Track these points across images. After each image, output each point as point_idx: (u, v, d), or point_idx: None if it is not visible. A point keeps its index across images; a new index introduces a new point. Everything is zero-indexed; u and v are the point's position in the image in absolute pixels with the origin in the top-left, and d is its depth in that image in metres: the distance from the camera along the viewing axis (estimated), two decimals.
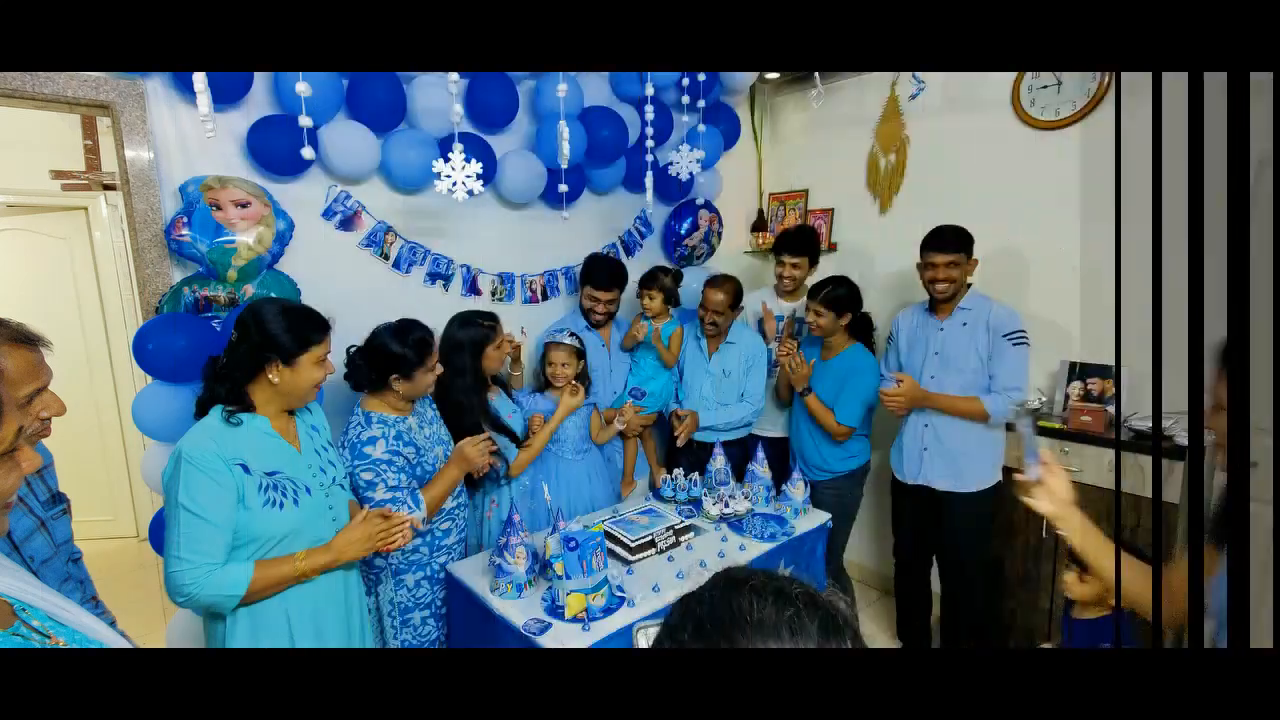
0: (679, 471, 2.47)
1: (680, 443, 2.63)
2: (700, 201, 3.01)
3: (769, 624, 0.54)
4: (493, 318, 2.15)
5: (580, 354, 2.39)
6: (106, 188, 3.45)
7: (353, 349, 1.83)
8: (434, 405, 2.03)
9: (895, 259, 3.02)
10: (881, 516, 3.09)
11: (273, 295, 1.92)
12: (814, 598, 0.56)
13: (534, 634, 1.62)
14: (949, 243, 2.23)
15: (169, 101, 1.92)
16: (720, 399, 2.66)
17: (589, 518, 2.22)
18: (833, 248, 3.30)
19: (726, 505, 2.28)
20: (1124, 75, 2.44)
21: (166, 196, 1.94)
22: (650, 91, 2.37)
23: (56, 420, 1.03)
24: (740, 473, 2.52)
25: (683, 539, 2.10)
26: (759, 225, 3.59)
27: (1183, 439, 2.09)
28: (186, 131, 1.95)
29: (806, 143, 3.44)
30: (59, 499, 1.32)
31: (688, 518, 2.22)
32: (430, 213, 2.47)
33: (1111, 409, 2.36)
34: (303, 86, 1.76)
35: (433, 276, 2.51)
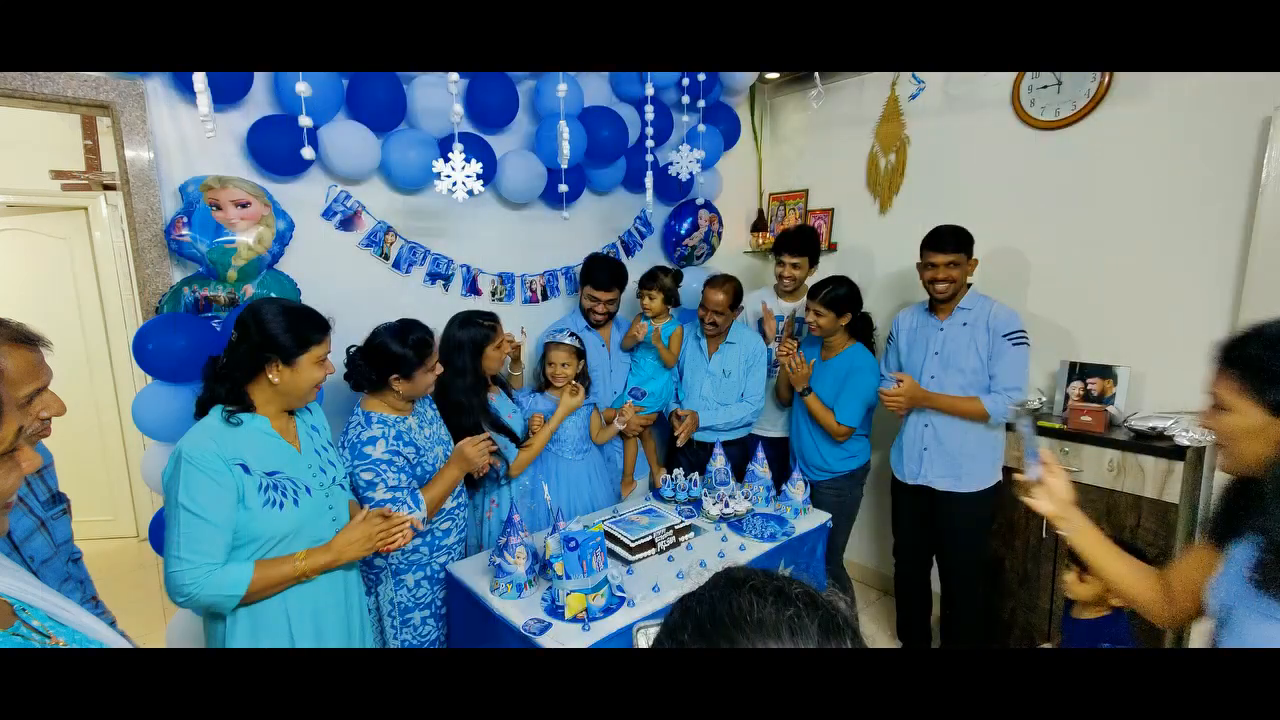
0: (679, 471, 2.47)
1: (680, 443, 2.63)
2: (700, 201, 3.00)
3: (769, 624, 0.53)
4: (493, 318, 2.15)
5: (580, 354, 2.39)
6: (107, 188, 3.45)
7: (353, 349, 1.83)
8: (434, 405, 2.03)
9: (895, 259, 3.02)
10: (881, 516, 3.09)
11: (273, 295, 1.91)
12: (814, 598, 0.56)
13: (534, 634, 1.62)
14: (949, 243, 2.23)
15: (169, 101, 1.92)
16: (720, 399, 2.66)
17: (589, 518, 2.22)
18: (833, 248, 3.30)
19: (726, 505, 2.28)
20: (1122, 75, 2.44)
21: (166, 196, 1.94)
22: (650, 91, 2.37)
23: (56, 420, 1.03)
24: (740, 473, 2.52)
25: (683, 539, 2.10)
26: (759, 225, 3.59)
27: (1183, 439, 2.09)
28: (186, 131, 1.95)
29: (806, 143, 3.44)
30: (59, 499, 1.32)
31: (688, 518, 2.22)
32: (430, 213, 2.47)
33: (1111, 409, 2.36)
34: (303, 86, 1.76)
35: (433, 276, 2.51)
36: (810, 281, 2.75)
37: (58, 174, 3.37)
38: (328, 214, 2.24)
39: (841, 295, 2.39)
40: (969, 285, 2.34)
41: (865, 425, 2.53)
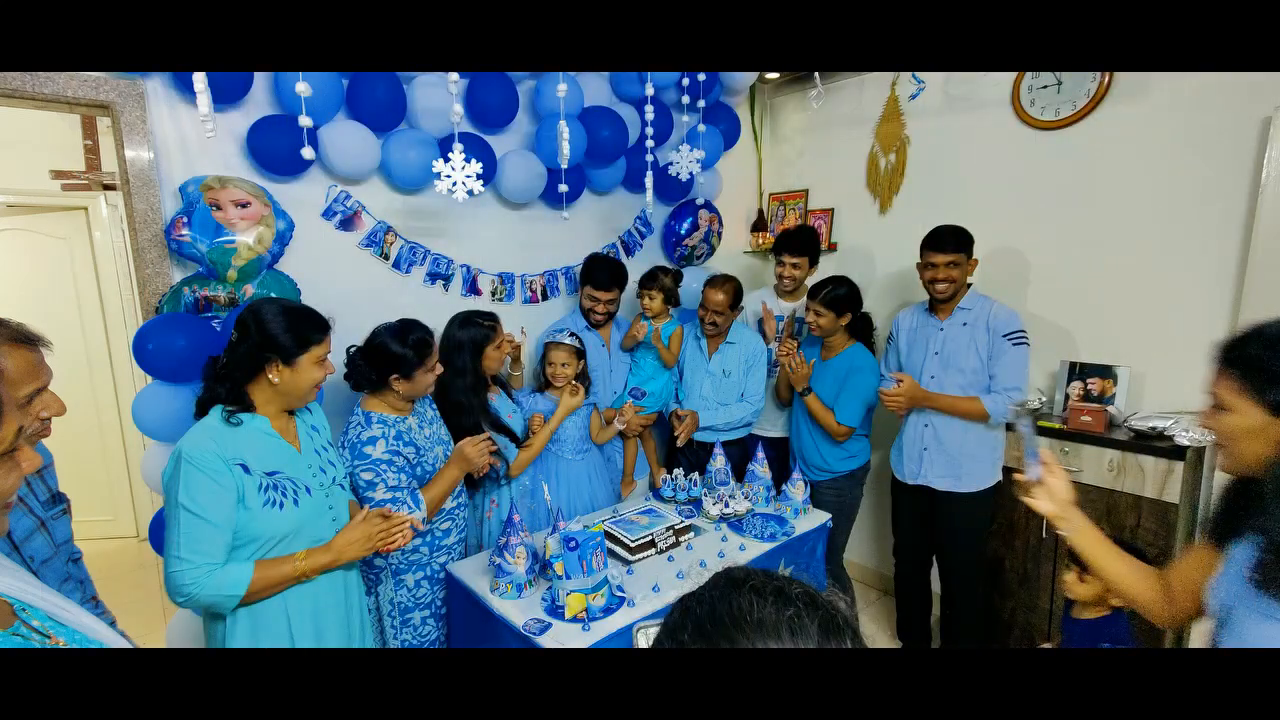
0: (679, 471, 2.47)
1: (680, 443, 2.63)
2: (700, 201, 3.00)
3: (769, 624, 0.53)
4: (493, 318, 2.15)
5: (580, 354, 2.39)
6: (107, 188, 3.45)
7: (353, 349, 1.83)
8: (434, 405, 2.03)
9: (895, 259, 3.02)
10: (881, 516, 3.09)
11: (273, 295, 1.91)
12: (814, 598, 0.56)
13: (534, 634, 1.62)
14: (949, 243, 2.23)
15: (169, 101, 1.92)
16: (720, 399, 2.66)
17: (589, 518, 2.22)
18: (832, 248, 3.30)
19: (726, 505, 2.28)
20: (1122, 75, 2.44)
21: (166, 196, 1.94)
22: (650, 91, 2.36)
23: (57, 420, 1.03)
24: (740, 473, 2.52)
25: (683, 539, 2.10)
26: (759, 225, 3.59)
27: (1183, 439, 2.09)
28: (186, 131, 1.95)
29: (806, 143, 3.44)
30: (59, 499, 1.32)
31: (688, 518, 2.21)
32: (430, 213, 2.46)
33: (1111, 409, 2.36)
34: (303, 86, 1.76)
35: (433, 276, 2.51)
36: (810, 281, 2.76)
37: (58, 174, 3.37)
38: (328, 214, 2.24)
39: (841, 295, 2.39)
40: (969, 285, 2.34)
41: (865, 425, 2.53)
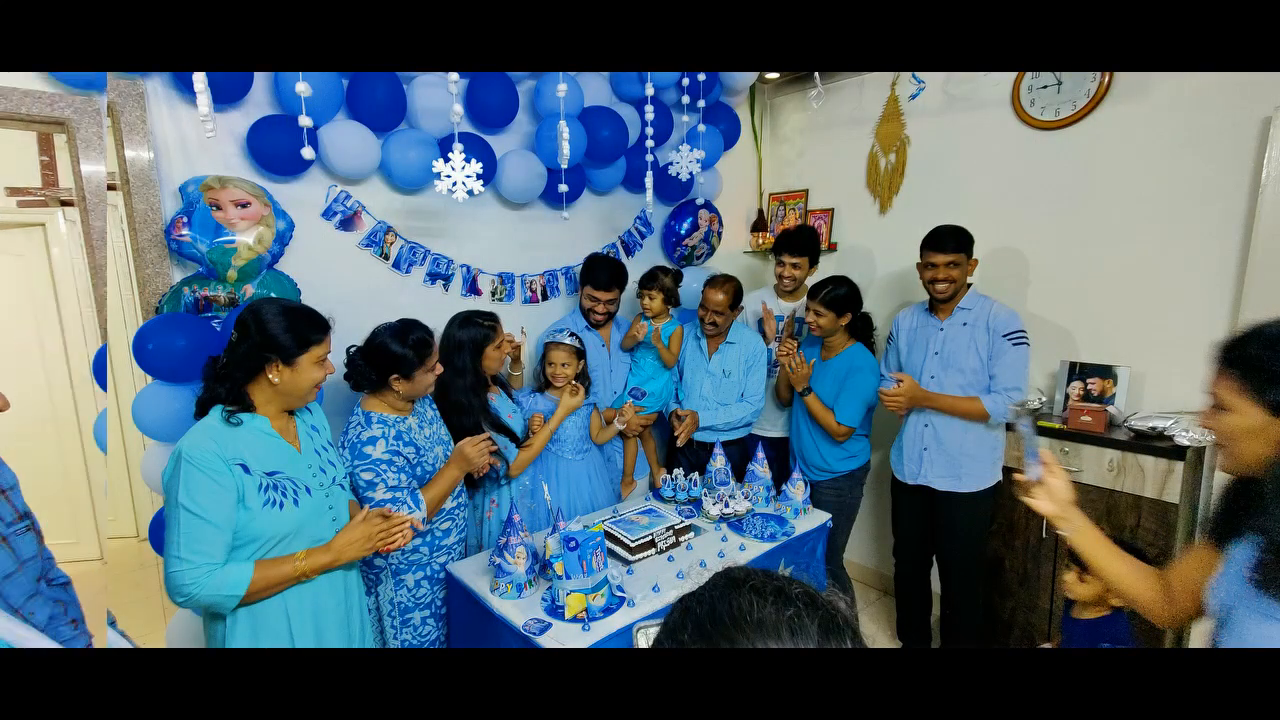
0: (679, 471, 2.47)
1: (680, 443, 2.63)
2: (700, 201, 3.00)
3: (769, 624, 0.53)
4: (493, 318, 2.15)
5: (580, 354, 2.39)
6: (64, 204, 3.36)
7: (353, 349, 1.83)
8: (434, 405, 2.03)
9: (895, 259, 3.02)
10: (882, 516, 3.09)
11: (273, 295, 1.91)
12: (814, 598, 0.56)
13: (534, 634, 1.62)
14: (949, 243, 2.23)
15: (169, 101, 1.92)
16: (720, 399, 2.66)
17: (589, 518, 2.22)
18: (832, 248, 3.30)
19: (726, 505, 2.28)
20: (1122, 75, 2.44)
21: (166, 196, 1.93)
22: (650, 91, 2.36)
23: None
24: (740, 473, 2.52)
25: (683, 539, 2.10)
26: (759, 225, 3.59)
27: (1183, 439, 2.09)
28: (186, 131, 1.95)
29: (806, 143, 3.44)
30: (25, 517, 1.31)
31: (688, 518, 2.21)
32: (430, 213, 2.46)
33: (1111, 409, 2.36)
34: (303, 87, 1.76)
35: (433, 276, 2.51)
36: (810, 281, 2.76)
37: (13, 191, 3.30)
38: (328, 214, 2.24)
39: (841, 295, 2.39)
40: (969, 285, 2.34)
41: (865, 425, 2.53)
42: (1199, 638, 2.11)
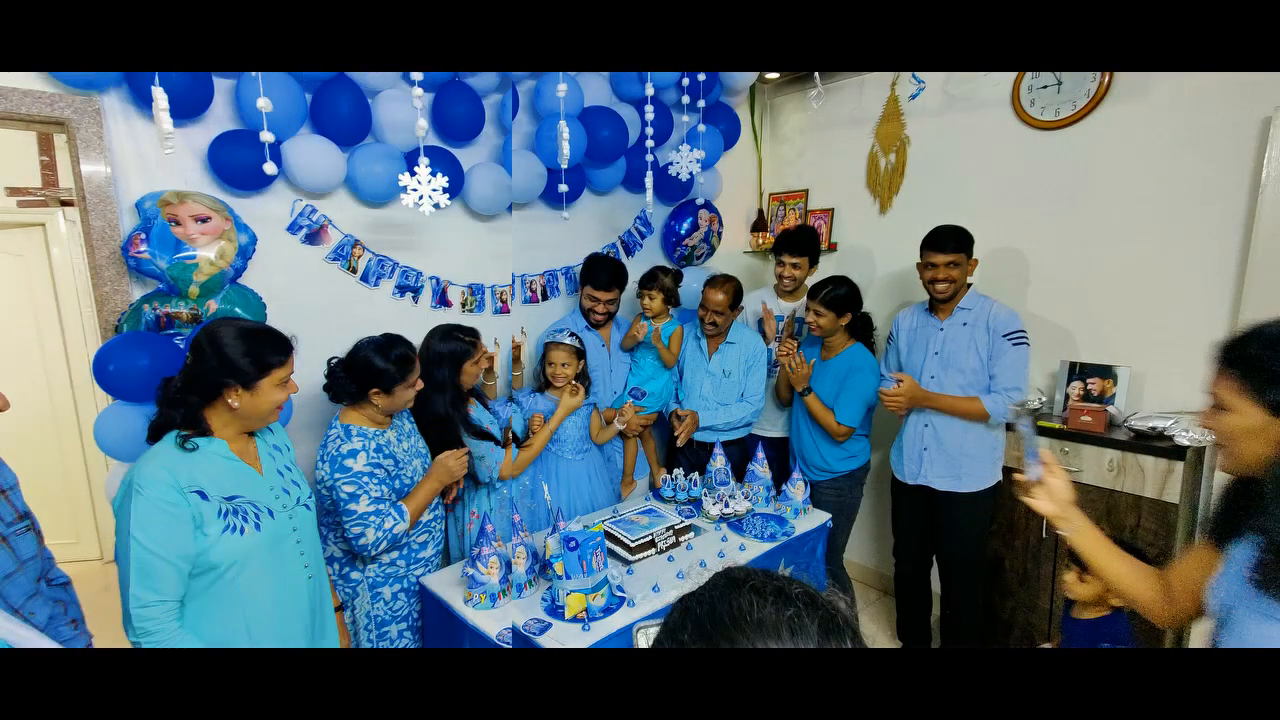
0: (679, 471, 2.47)
1: (680, 443, 2.63)
2: (700, 201, 3.00)
3: (769, 624, 0.53)
4: (473, 333, 2.13)
5: (580, 354, 2.38)
6: (64, 204, 3.35)
7: (334, 360, 1.81)
8: (411, 418, 2.01)
9: (895, 259, 3.02)
10: (882, 516, 3.09)
11: (232, 314, 1.87)
12: (814, 598, 0.56)
13: (534, 634, 1.62)
14: (949, 243, 2.23)
15: (126, 117, 1.88)
16: (720, 399, 2.66)
17: (589, 518, 2.22)
18: (832, 248, 3.30)
19: (726, 505, 2.28)
20: (1122, 75, 2.43)
21: (125, 213, 1.89)
22: (650, 92, 2.36)
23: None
24: (740, 473, 2.52)
25: (683, 539, 2.10)
26: (759, 225, 3.59)
27: (1183, 439, 2.09)
28: (145, 147, 1.91)
29: (806, 143, 3.44)
30: (25, 517, 1.31)
31: (688, 518, 2.22)
32: (399, 226, 2.44)
33: (1111, 409, 2.36)
34: (264, 102, 1.72)
35: (402, 289, 2.48)
36: (810, 281, 2.75)
37: (13, 190, 3.29)
38: (293, 228, 2.21)
39: (842, 295, 2.39)
40: (969, 285, 2.34)
41: (865, 425, 2.53)
42: (1199, 638, 2.11)
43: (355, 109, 2.13)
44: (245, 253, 1.95)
